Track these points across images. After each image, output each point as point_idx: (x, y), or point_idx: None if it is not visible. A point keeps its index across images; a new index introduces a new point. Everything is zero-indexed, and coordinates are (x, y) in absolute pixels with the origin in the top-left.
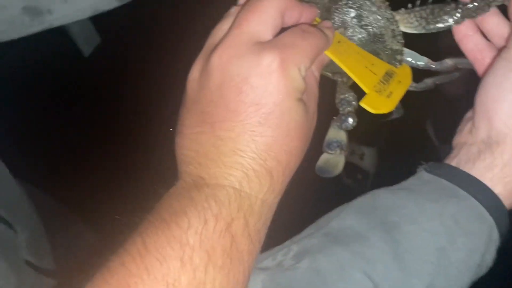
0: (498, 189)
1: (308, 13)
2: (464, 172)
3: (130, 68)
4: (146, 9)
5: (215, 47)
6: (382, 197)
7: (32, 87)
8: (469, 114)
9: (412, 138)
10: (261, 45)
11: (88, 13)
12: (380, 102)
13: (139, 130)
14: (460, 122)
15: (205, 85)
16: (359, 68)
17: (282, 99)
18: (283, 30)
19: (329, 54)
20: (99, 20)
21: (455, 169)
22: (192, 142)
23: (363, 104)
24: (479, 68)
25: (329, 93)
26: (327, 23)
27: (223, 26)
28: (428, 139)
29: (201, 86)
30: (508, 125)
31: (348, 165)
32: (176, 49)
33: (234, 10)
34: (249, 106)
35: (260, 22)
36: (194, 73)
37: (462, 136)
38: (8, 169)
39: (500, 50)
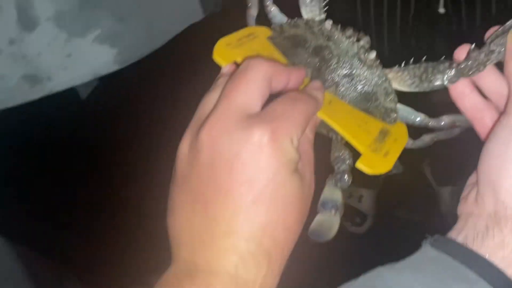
0: (511, 270)
1: (296, 77)
2: (472, 251)
3: (126, 112)
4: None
5: (204, 121)
6: (387, 278)
7: (28, 133)
8: (472, 179)
9: (410, 180)
10: (250, 119)
11: (88, 77)
12: (377, 162)
13: (137, 187)
14: (457, 166)
15: (195, 162)
16: (353, 128)
17: (275, 174)
18: (272, 96)
19: (320, 114)
20: None
21: (463, 248)
22: (184, 223)
23: (359, 165)
24: (478, 128)
25: (324, 151)
26: (317, 84)
27: (211, 98)
28: (425, 181)
29: (191, 163)
30: None
31: (346, 208)
32: (173, 95)
33: (221, 80)
34: (241, 185)
35: (247, 94)
36: (183, 148)
37: (467, 205)
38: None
39: (500, 115)
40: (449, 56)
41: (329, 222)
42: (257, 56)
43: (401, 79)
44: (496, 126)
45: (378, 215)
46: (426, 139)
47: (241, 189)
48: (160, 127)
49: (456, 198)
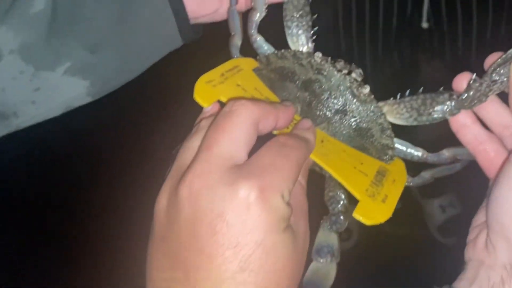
0: None
1: (285, 116)
2: None
3: (104, 140)
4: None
5: (184, 174)
6: None
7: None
8: (478, 219)
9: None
10: (235, 172)
11: (59, 111)
12: (376, 210)
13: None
14: (442, 179)
15: (174, 220)
16: (347, 170)
17: (265, 235)
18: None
19: (312, 156)
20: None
21: None
22: None
23: (356, 215)
24: (481, 161)
25: (318, 190)
26: (307, 123)
27: (192, 144)
28: (410, 193)
29: (170, 221)
30: None
31: None
32: (152, 126)
33: (203, 123)
34: (226, 249)
35: (231, 142)
36: (161, 203)
37: (477, 252)
38: None
39: (509, 153)
40: (431, 72)
41: (325, 270)
42: (242, 98)
43: (397, 112)
44: (506, 167)
45: (363, 229)
46: (426, 176)
47: (226, 254)
48: (137, 158)
49: (440, 210)
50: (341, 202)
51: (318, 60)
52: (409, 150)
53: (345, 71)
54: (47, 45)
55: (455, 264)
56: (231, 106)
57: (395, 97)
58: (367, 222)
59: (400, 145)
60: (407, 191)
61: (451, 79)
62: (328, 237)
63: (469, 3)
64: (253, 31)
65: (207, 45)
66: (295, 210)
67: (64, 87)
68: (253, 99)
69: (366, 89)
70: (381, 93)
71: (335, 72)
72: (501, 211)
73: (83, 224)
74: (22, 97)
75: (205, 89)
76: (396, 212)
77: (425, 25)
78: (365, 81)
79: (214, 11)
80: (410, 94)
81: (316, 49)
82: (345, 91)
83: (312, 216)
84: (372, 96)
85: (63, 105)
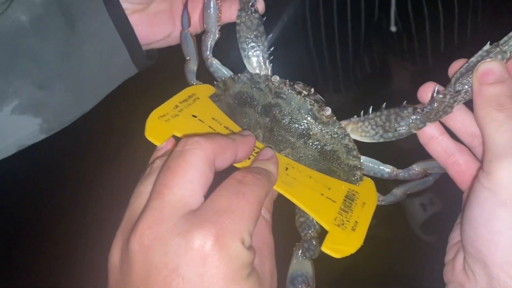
0: None
1: (244, 148)
2: None
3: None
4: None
5: (135, 224)
6: None
7: None
8: (455, 237)
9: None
10: (189, 220)
11: (12, 150)
12: (346, 241)
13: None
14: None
15: (128, 275)
16: (314, 198)
17: (225, 286)
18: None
19: (276, 188)
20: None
21: None
22: None
23: (326, 249)
24: (453, 173)
25: (288, 216)
26: (268, 153)
27: (144, 189)
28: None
29: (123, 276)
30: (509, 272)
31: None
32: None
33: (156, 164)
34: None
35: (184, 186)
36: (114, 256)
37: (456, 274)
38: None
39: (478, 170)
40: (403, 74)
41: None
42: (196, 133)
43: (362, 131)
44: (475, 187)
45: None
46: (397, 193)
47: None
48: (95, 189)
49: (422, 209)
50: (313, 228)
51: (276, 83)
52: (378, 168)
53: (305, 93)
54: None
55: (439, 262)
56: (183, 145)
57: (364, 107)
58: (337, 255)
59: (368, 164)
60: (388, 190)
61: (422, 80)
62: (301, 265)
63: (435, 4)
64: (207, 54)
65: (163, 72)
66: (260, 250)
67: (14, 127)
68: (207, 135)
69: (328, 111)
70: (354, 98)
71: (295, 95)
72: (475, 235)
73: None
74: None
75: (158, 125)
76: (377, 211)
77: (393, 28)
78: (337, 87)
79: (168, 36)
80: (373, 110)
81: (287, 57)
82: (306, 114)
83: (284, 243)
84: (334, 118)
85: (15, 145)
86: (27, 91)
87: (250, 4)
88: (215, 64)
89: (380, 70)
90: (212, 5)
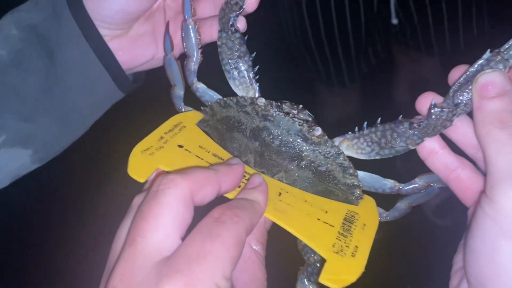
0: None
1: (230, 179)
2: None
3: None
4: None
5: (110, 274)
6: None
7: None
8: (458, 261)
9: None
10: (161, 269)
11: (7, 182)
12: (345, 269)
13: None
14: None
15: None
16: (310, 224)
17: None
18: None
19: (268, 216)
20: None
21: None
22: None
23: (324, 280)
24: (455, 189)
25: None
26: (256, 180)
27: (122, 233)
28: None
29: None
30: None
31: None
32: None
33: (135, 201)
34: None
35: (157, 231)
36: None
37: None
38: None
39: (480, 194)
40: (409, 64)
41: None
42: (174, 171)
43: (358, 147)
44: (478, 214)
45: None
46: (401, 206)
47: None
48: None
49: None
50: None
51: (262, 105)
52: (379, 183)
53: (294, 112)
54: None
55: (454, 247)
56: (158, 185)
57: (371, 100)
58: (337, 286)
59: (368, 180)
60: (401, 178)
61: (428, 69)
62: None
63: None
64: (192, 79)
65: (151, 95)
66: (248, 286)
67: (5, 160)
68: (184, 171)
69: (318, 131)
70: (359, 92)
71: (282, 116)
72: (478, 267)
73: None
74: None
75: (141, 160)
76: (392, 202)
77: (394, 21)
78: (341, 81)
79: (151, 58)
80: (368, 125)
81: (287, 59)
82: (296, 135)
83: (289, 265)
84: (326, 137)
85: (9, 176)
86: (14, 125)
87: (230, 24)
88: (201, 88)
89: (385, 61)
90: (190, 28)
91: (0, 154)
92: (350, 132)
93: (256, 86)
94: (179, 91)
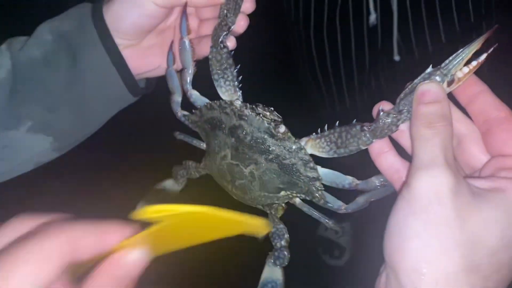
0: None
1: (115, 235)
2: None
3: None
4: None
5: None
6: None
7: None
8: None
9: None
10: None
11: (29, 166)
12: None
13: None
14: None
15: None
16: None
17: None
18: None
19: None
20: None
21: None
22: None
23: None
24: (399, 190)
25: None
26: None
27: None
28: None
29: None
30: (413, 280)
31: (325, 240)
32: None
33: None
34: None
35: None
36: None
37: (380, 284)
38: None
39: (401, 186)
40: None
41: None
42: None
43: (319, 147)
44: (397, 200)
45: (356, 247)
46: (360, 201)
47: None
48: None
49: (334, 233)
50: (284, 237)
51: (238, 106)
52: (339, 179)
53: (265, 114)
54: (10, 107)
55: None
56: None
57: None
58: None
59: (330, 176)
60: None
61: None
62: (272, 272)
63: (437, 31)
64: (187, 87)
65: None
66: None
67: (29, 144)
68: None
69: (282, 128)
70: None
71: (254, 116)
72: (390, 245)
73: None
74: None
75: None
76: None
77: (397, 58)
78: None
79: (157, 67)
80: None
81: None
82: (265, 132)
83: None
84: (289, 134)
85: (31, 161)
86: (39, 114)
87: (220, 41)
88: (194, 95)
89: (387, 91)
90: (186, 45)
91: (26, 138)
92: (314, 133)
93: (239, 93)
94: (177, 97)
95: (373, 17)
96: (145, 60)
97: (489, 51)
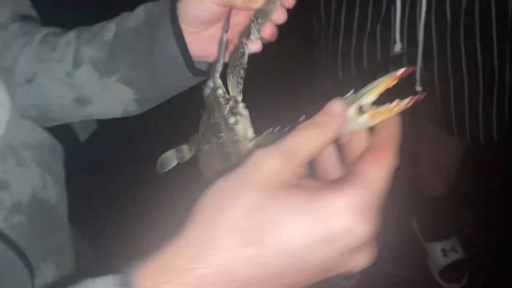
0: None
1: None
2: None
3: (124, 154)
4: None
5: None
6: None
7: None
8: None
9: (398, 235)
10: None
11: (118, 110)
12: None
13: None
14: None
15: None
16: None
17: None
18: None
19: None
20: None
21: None
22: None
23: None
24: None
25: None
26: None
27: None
28: (413, 236)
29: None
30: None
31: None
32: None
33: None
34: None
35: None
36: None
37: None
38: None
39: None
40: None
41: None
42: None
43: (262, 145)
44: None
45: (365, 269)
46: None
47: None
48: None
49: (442, 254)
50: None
51: (219, 95)
52: None
53: (230, 103)
54: (107, 61)
55: None
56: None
57: None
58: None
59: None
60: (409, 233)
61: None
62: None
63: (460, 67)
64: (214, 74)
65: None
66: None
67: (118, 91)
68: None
69: (232, 119)
70: None
71: (223, 103)
72: None
73: None
74: (94, 92)
75: None
76: (398, 253)
77: (419, 88)
78: None
79: (211, 54)
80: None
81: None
82: (221, 119)
83: None
84: (237, 126)
85: (120, 106)
86: (124, 70)
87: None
88: (217, 83)
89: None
90: (224, 40)
91: (115, 86)
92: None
93: (238, 88)
94: (218, 67)
95: (398, 47)
96: (203, 46)
97: (415, 99)
